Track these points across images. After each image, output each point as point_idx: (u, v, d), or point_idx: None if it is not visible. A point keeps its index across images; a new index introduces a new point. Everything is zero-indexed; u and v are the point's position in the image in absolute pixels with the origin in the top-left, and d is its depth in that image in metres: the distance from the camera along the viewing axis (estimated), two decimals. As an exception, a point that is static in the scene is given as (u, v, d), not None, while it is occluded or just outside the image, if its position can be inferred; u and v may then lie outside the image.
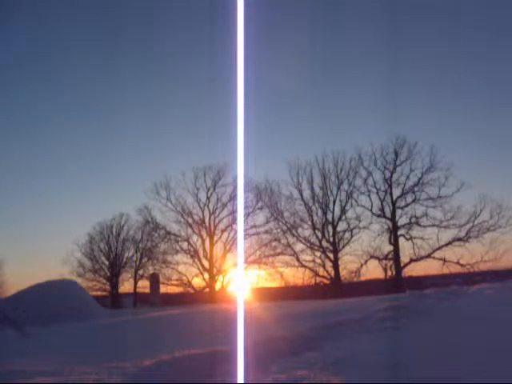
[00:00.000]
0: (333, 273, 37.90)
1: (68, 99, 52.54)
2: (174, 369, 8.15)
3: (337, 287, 36.61)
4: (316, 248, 38.38)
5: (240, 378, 4.64)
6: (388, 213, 37.62)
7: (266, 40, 32.92)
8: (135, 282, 43.00)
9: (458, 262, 35.73)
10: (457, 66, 47.31)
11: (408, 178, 37.33)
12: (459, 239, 36.13)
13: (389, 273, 37.36)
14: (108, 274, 43.61)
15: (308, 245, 38.47)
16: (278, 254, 38.66)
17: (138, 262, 43.15)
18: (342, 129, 48.27)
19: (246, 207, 37.11)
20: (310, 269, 38.33)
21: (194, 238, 40.63)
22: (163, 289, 40.91)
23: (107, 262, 43.72)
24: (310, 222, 38.67)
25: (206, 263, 40.08)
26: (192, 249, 40.41)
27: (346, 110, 47.10)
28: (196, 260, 40.19)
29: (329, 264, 38.16)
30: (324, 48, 44.00)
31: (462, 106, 48.37)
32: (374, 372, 6.99)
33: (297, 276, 38.71)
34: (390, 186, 37.70)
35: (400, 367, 7.15)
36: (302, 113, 49.83)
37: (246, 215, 37.96)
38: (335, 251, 38.01)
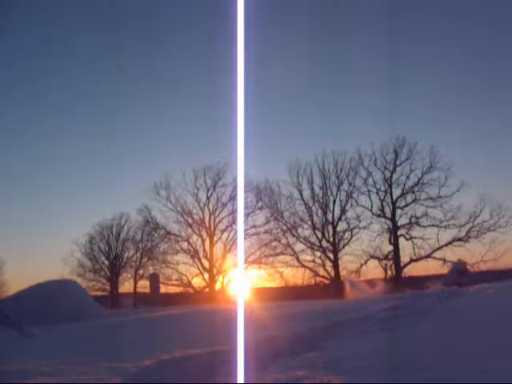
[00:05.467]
0: (333, 273, 37.92)
1: (68, 99, 52.55)
2: (174, 369, 8.15)
3: (337, 287, 36.61)
4: (316, 248, 38.43)
5: (240, 378, 4.63)
6: (388, 213, 37.68)
7: (266, 40, 32.95)
8: (135, 282, 43.01)
9: (458, 262, 35.75)
10: (457, 65, 47.33)
11: (408, 178, 37.47)
12: (459, 239, 36.18)
13: (389, 273, 37.43)
14: (108, 273, 43.60)
15: (308, 245, 38.52)
16: (278, 254, 38.71)
17: (137, 262, 43.16)
18: (342, 129, 48.32)
19: (246, 207, 37.12)
20: (310, 269, 38.39)
21: (194, 237, 40.70)
22: (163, 289, 41.01)
23: (107, 262, 43.72)
24: (310, 222, 38.72)
25: (206, 263, 40.13)
26: (192, 249, 40.45)
27: (346, 109, 47.14)
28: (196, 260, 40.26)
29: (329, 264, 38.23)
30: (324, 48, 44.03)
31: (462, 105, 48.39)
32: (374, 372, 6.98)
33: (297, 276, 38.82)
34: (390, 186, 37.74)
35: (400, 367, 7.14)
36: (301, 113, 49.84)
37: (246, 215, 37.99)
38: (335, 251, 38.02)
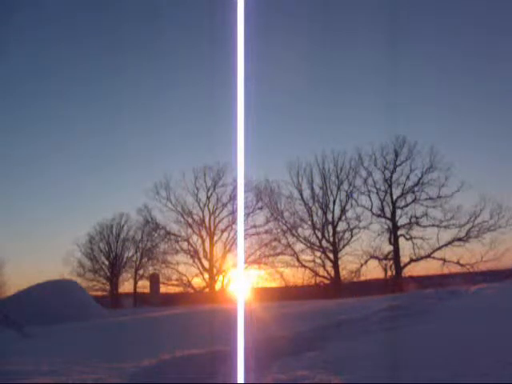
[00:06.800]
0: (333, 273, 37.90)
1: (68, 98, 52.53)
2: (174, 369, 8.16)
3: (337, 287, 36.60)
4: (316, 248, 38.39)
5: (240, 378, 4.63)
6: (388, 213, 37.62)
7: (266, 40, 32.93)
8: (135, 282, 43.01)
9: (458, 262, 35.74)
10: (457, 66, 47.33)
11: (408, 178, 37.37)
12: (459, 239, 36.12)
13: (389, 273, 37.39)
14: (108, 274, 43.60)
15: (308, 245, 38.49)
16: (278, 254, 38.68)
17: (137, 262, 43.17)
18: (342, 129, 48.31)
19: (246, 207, 37.11)
20: (310, 269, 38.34)
21: (194, 237, 40.67)
22: (163, 289, 41.00)
23: (107, 262, 43.72)
24: (310, 222, 38.68)
25: (206, 263, 40.11)
26: (192, 249, 40.43)
27: (346, 109, 47.11)
28: (196, 260, 40.23)
29: (329, 264, 38.19)
30: (324, 48, 43.99)
31: (462, 106, 48.36)
32: (374, 372, 6.98)
33: (297, 276, 38.76)
34: (390, 186, 37.70)
35: (400, 367, 7.15)
36: (301, 113, 49.84)
37: (246, 215, 37.97)
38: (335, 251, 38.00)
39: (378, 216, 37.73)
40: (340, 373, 6.85)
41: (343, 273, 38.15)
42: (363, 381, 6.52)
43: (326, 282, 38.37)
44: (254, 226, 38.72)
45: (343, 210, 38.45)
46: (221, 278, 40.01)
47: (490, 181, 50.01)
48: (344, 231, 38.44)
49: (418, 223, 37.14)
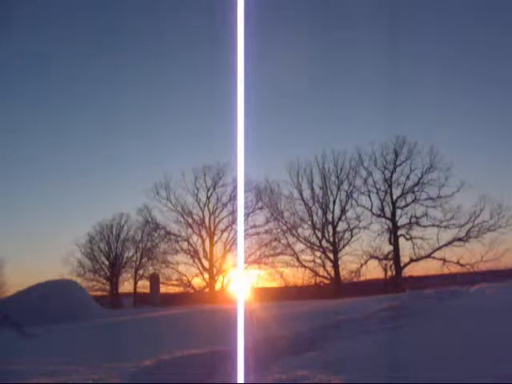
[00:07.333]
0: (333, 273, 37.90)
1: (67, 99, 52.53)
2: (174, 369, 8.16)
3: (337, 287, 36.60)
4: (316, 248, 38.37)
5: (240, 378, 4.63)
6: (388, 213, 37.60)
7: (266, 40, 32.94)
8: (135, 282, 43.00)
9: (458, 262, 35.74)
10: (457, 66, 47.31)
11: (408, 178, 37.33)
12: (459, 239, 36.10)
13: (389, 273, 37.37)
14: (108, 274, 43.58)
15: (308, 245, 38.46)
16: (278, 254, 38.66)
17: (137, 262, 43.14)
18: (342, 129, 48.32)
19: (246, 207, 37.08)
20: (310, 269, 38.33)
21: (194, 238, 40.65)
22: (163, 289, 40.98)
23: (107, 262, 43.69)
24: (310, 222, 38.66)
25: (206, 263, 40.10)
26: (192, 249, 40.43)
27: (346, 109, 47.07)
28: (196, 260, 40.23)
29: (329, 264, 38.17)
30: (324, 47, 43.96)
31: (462, 106, 48.36)
32: (374, 372, 6.99)
33: (297, 276, 38.74)
34: (390, 186, 37.68)
35: (400, 367, 7.15)
36: (301, 113, 49.80)
37: (246, 215, 37.95)
38: (335, 251, 37.98)
39: (378, 216, 37.73)
40: (340, 373, 6.85)
41: (343, 273, 38.17)
42: (363, 381, 6.53)
43: (326, 281, 38.37)
44: (254, 226, 38.74)
45: (343, 210, 38.46)
46: (221, 278, 40.04)
47: (490, 181, 50.06)
48: (344, 231, 38.45)
49: (418, 223, 37.14)
